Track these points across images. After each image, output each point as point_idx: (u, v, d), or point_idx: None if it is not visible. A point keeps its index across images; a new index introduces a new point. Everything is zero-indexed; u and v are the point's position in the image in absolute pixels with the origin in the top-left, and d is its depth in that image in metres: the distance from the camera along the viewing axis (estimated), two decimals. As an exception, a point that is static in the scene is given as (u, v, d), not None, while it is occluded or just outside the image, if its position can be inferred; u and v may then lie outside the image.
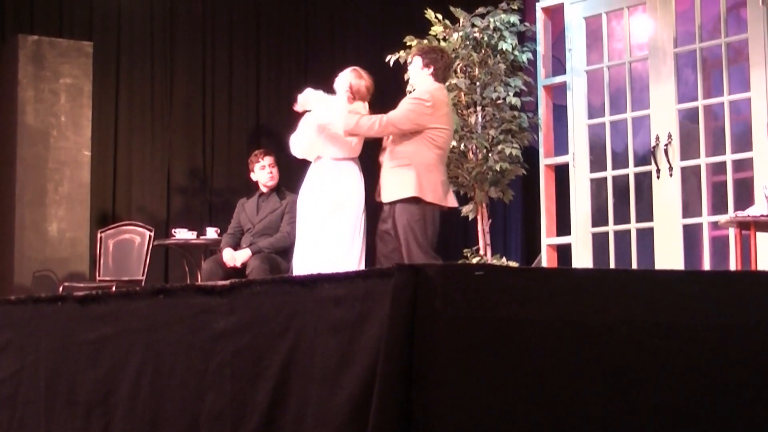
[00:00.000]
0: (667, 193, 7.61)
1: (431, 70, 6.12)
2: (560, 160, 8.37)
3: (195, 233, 8.57)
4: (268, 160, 7.34)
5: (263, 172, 7.34)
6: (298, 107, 6.39)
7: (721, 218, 6.85)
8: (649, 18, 7.89)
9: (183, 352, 3.00)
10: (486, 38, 8.15)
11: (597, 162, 8.12)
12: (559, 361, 2.52)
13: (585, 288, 2.65)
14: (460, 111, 8.04)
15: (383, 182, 6.05)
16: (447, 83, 6.91)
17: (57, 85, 8.78)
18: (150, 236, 8.54)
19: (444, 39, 8.22)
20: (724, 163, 7.45)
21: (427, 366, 2.37)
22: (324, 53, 10.80)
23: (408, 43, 8.04)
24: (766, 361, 2.80)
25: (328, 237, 6.15)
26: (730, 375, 2.75)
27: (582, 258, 7.99)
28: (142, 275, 8.44)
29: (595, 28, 8.26)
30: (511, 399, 2.45)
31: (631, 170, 7.90)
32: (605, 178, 8.04)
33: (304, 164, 6.46)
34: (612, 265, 7.74)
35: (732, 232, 7.01)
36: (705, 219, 7.48)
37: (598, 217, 8.06)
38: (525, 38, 8.77)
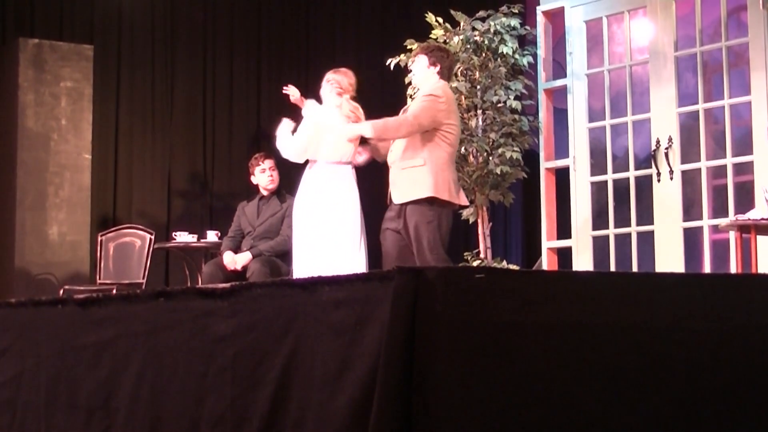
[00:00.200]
0: (667, 196, 7.61)
1: (437, 68, 6.12)
2: (561, 163, 8.37)
3: (195, 236, 8.57)
4: (268, 163, 7.34)
5: (263, 175, 7.34)
6: (301, 104, 6.47)
7: (722, 221, 6.85)
8: (650, 21, 7.89)
9: (183, 355, 3.00)
10: (487, 42, 8.15)
11: (597, 165, 8.12)
12: (560, 364, 2.52)
13: (585, 291, 2.65)
14: (460, 114, 8.04)
15: (394, 183, 5.97)
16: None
17: (58, 89, 8.78)
18: (150, 239, 8.54)
19: (444, 42, 8.22)
20: (724, 167, 7.45)
21: (427, 369, 2.37)
22: (325, 57, 10.80)
23: (408, 47, 8.04)
24: (767, 364, 2.80)
25: (330, 241, 6.17)
26: (731, 378, 2.75)
27: (582, 261, 7.99)
28: (143, 278, 8.43)
29: (596, 31, 8.26)
30: (512, 402, 2.45)
31: (632, 173, 7.90)
32: (606, 182, 8.03)
33: (305, 167, 6.47)
34: (612, 269, 7.74)
35: (732, 236, 7.01)
36: (705, 222, 7.48)
37: (599, 220, 8.06)
38: (526, 42, 8.77)
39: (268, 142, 10.24)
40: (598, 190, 8.11)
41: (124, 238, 8.61)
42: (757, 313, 2.84)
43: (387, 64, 8.16)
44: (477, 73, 8.20)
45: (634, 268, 7.67)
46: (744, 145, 7.43)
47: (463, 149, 8.04)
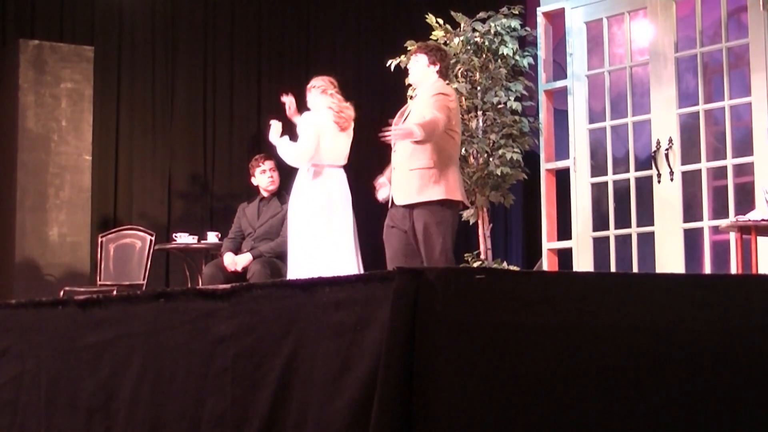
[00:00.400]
0: (667, 197, 7.61)
1: (437, 67, 6.13)
2: (561, 164, 8.37)
3: (196, 238, 8.57)
4: (268, 164, 7.35)
5: (264, 176, 7.35)
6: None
7: (722, 223, 6.85)
8: (650, 23, 7.89)
9: (184, 356, 3.00)
10: (487, 43, 8.15)
11: (598, 166, 8.12)
12: (560, 365, 2.52)
13: (586, 292, 2.64)
14: (461, 115, 8.04)
15: (400, 184, 5.93)
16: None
17: (58, 90, 8.78)
18: (151, 241, 8.53)
19: (445, 44, 8.22)
20: (724, 168, 7.45)
21: (427, 370, 2.37)
22: (325, 58, 10.81)
23: (409, 48, 8.04)
24: (767, 365, 2.80)
25: (325, 242, 6.20)
26: (731, 379, 2.75)
27: (583, 262, 7.99)
28: (143, 280, 8.43)
29: (596, 32, 8.26)
30: (512, 403, 2.45)
31: (632, 175, 7.90)
32: (606, 183, 8.04)
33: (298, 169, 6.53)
34: (613, 270, 7.73)
35: (733, 237, 7.01)
36: (706, 223, 7.48)
37: (599, 221, 8.06)
38: (526, 43, 8.78)
39: (268, 143, 10.26)
40: (599, 191, 8.11)
41: (124, 240, 8.61)
42: (757, 314, 2.83)
43: (387, 65, 8.16)
44: (477, 74, 8.20)
45: (635, 270, 7.66)
46: (744, 146, 7.43)
47: (463, 150, 8.04)
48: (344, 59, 10.98)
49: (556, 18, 8.60)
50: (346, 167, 6.57)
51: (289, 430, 2.63)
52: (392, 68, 8.13)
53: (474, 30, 8.19)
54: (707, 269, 7.51)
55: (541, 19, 8.60)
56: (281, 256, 7.05)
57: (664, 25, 7.76)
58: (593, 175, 8.12)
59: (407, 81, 6.21)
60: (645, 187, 7.86)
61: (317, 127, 6.38)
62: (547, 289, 2.59)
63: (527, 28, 8.50)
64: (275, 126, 6.65)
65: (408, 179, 5.90)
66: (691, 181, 7.64)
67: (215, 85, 10.28)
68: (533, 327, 2.52)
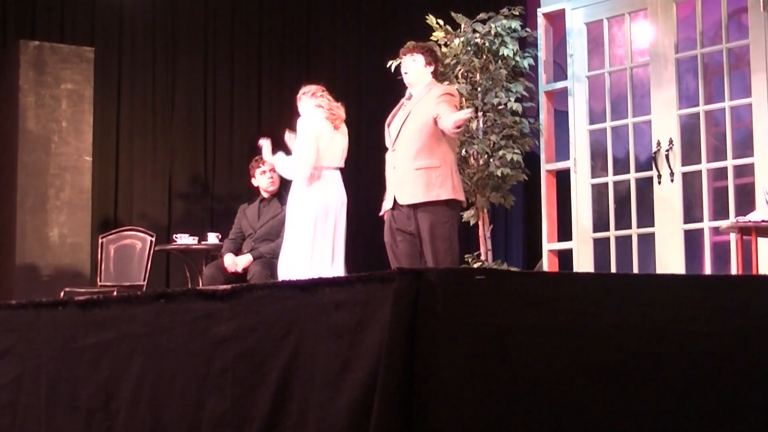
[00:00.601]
0: (668, 198, 7.61)
1: (432, 68, 6.19)
2: (561, 165, 8.37)
3: (196, 239, 8.57)
4: (268, 165, 7.34)
5: (264, 177, 7.35)
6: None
7: (722, 224, 6.86)
8: (650, 24, 7.89)
9: (184, 357, 3.00)
10: (487, 44, 8.15)
11: (598, 167, 8.12)
12: (560, 366, 2.52)
13: (586, 293, 2.64)
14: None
15: (403, 183, 5.91)
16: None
17: (58, 91, 8.78)
18: (151, 241, 8.54)
19: (445, 44, 8.23)
20: (725, 169, 7.45)
21: (428, 371, 2.37)
22: (325, 59, 10.81)
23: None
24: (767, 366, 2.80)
25: (318, 246, 6.24)
26: (731, 380, 2.74)
27: (583, 263, 7.99)
28: (144, 281, 8.43)
29: (597, 33, 8.26)
30: (512, 404, 2.45)
31: (633, 176, 7.90)
32: (606, 184, 8.04)
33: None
34: (613, 271, 7.73)
35: (733, 238, 7.01)
36: (706, 224, 7.48)
37: (599, 222, 8.06)
38: (526, 44, 8.77)
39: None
40: (599, 192, 8.11)
41: (124, 240, 8.61)
42: (757, 315, 2.83)
43: (387, 66, 8.16)
44: (478, 75, 8.20)
45: (635, 271, 7.66)
46: (744, 147, 7.43)
47: (464, 151, 8.05)
48: (344, 60, 10.98)
49: (557, 19, 8.61)
50: (344, 169, 6.57)
51: (290, 431, 2.63)
52: (392, 69, 8.13)
53: (474, 31, 8.19)
54: (707, 270, 7.51)
55: (541, 20, 8.60)
56: (282, 256, 7.06)
57: (664, 26, 7.76)
58: (593, 176, 8.12)
59: (406, 81, 6.19)
60: (645, 188, 7.87)
61: (314, 130, 6.38)
62: (548, 289, 2.59)
63: (528, 29, 8.50)
64: (265, 145, 6.68)
65: (414, 178, 5.89)
66: (691, 182, 7.64)
67: (215, 86, 10.28)
68: (533, 328, 2.52)
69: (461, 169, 8.01)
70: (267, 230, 7.21)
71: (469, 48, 8.15)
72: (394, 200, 5.96)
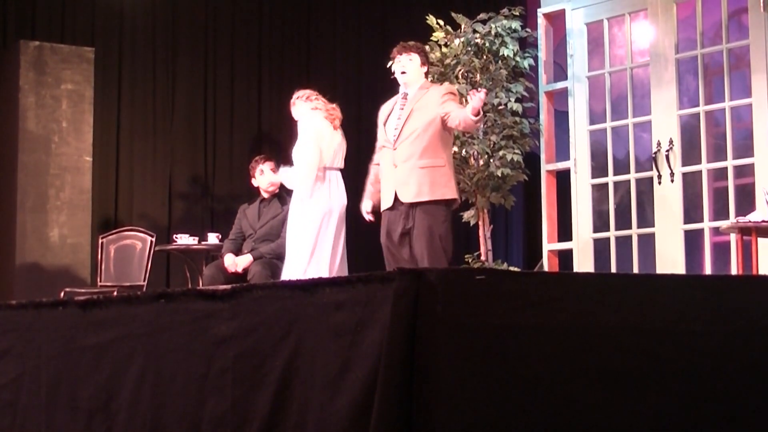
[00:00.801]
0: (668, 198, 7.61)
1: (426, 69, 6.28)
2: (561, 165, 8.37)
3: (196, 239, 8.56)
4: (268, 165, 7.35)
5: (264, 177, 7.35)
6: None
7: (723, 224, 6.86)
8: (651, 24, 7.89)
9: (184, 357, 3.00)
10: (487, 44, 8.15)
11: (598, 168, 8.12)
12: (560, 366, 2.52)
13: (586, 293, 2.64)
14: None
15: (406, 182, 5.91)
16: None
17: (58, 91, 8.78)
18: (151, 242, 8.53)
19: (446, 45, 8.23)
20: (725, 169, 7.45)
21: (428, 370, 2.37)
22: (325, 60, 10.81)
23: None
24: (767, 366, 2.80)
25: (327, 244, 6.25)
26: (732, 380, 2.74)
27: (583, 264, 7.99)
28: (144, 281, 8.43)
29: (597, 34, 8.26)
30: (513, 404, 2.45)
31: (633, 176, 7.90)
32: (606, 184, 8.04)
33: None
34: (613, 271, 7.73)
35: (733, 238, 7.01)
36: (706, 224, 7.48)
37: (600, 222, 8.06)
38: (526, 44, 8.77)
39: (269, 144, 10.27)
40: (599, 192, 8.11)
41: (124, 241, 8.60)
42: (757, 315, 2.83)
43: (388, 66, 8.16)
44: (478, 75, 8.20)
45: (635, 271, 7.66)
46: (745, 147, 7.43)
47: (464, 152, 8.05)
48: (344, 60, 10.98)
49: (557, 19, 8.61)
50: (343, 170, 6.58)
51: (290, 431, 2.63)
52: (392, 69, 8.11)
53: (474, 31, 8.19)
54: (708, 270, 7.51)
55: (541, 21, 8.61)
56: (282, 257, 7.04)
57: (664, 27, 7.76)
58: (594, 176, 8.12)
59: (403, 80, 6.20)
60: (645, 189, 7.87)
61: (315, 131, 6.39)
62: (548, 290, 2.59)
63: (528, 30, 8.50)
64: (267, 171, 6.71)
65: (419, 176, 5.89)
66: (691, 183, 7.64)
67: (216, 87, 10.28)
68: (534, 328, 2.51)
69: (461, 169, 8.03)
70: (267, 230, 7.21)
71: (470, 48, 8.15)
72: (395, 198, 5.95)
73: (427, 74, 6.30)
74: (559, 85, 8.49)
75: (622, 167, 8.01)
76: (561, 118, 8.59)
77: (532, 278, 2.73)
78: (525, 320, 2.51)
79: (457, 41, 8.17)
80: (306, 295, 2.67)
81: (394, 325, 2.38)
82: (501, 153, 8.04)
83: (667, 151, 7.61)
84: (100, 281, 8.48)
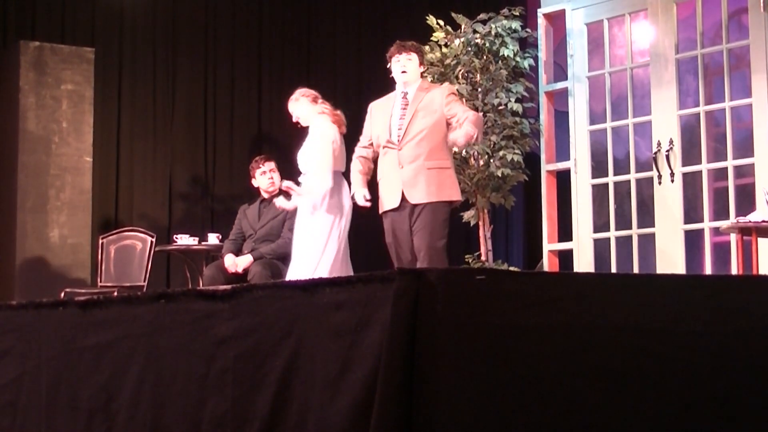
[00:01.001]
0: (668, 198, 7.61)
1: (423, 69, 6.38)
2: (562, 166, 8.37)
3: (196, 239, 8.57)
4: (269, 165, 7.35)
5: (264, 177, 7.35)
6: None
7: (723, 224, 6.85)
8: (651, 24, 7.89)
9: (184, 357, 3.00)
10: (488, 44, 8.15)
11: (598, 168, 8.12)
12: (560, 366, 2.52)
13: (586, 293, 2.64)
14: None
15: (414, 182, 5.94)
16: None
17: (59, 92, 8.78)
18: (151, 242, 8.53)
19: (446, 45, 8.23)
20: (725, 169, 7.45)
21: (428, 371, 2.37)
22: (326, 60, 10.82)
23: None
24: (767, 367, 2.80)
25: (338, 246, 6.27)
26: (732, 380, 2.74)
27: (583, 264, 7.99)
28: (144, 281, 8.43)
29: (597, 34, 8.26)
30: (513, 404, 2.45)
31: (633, 176, 7.90)
32: (607, 184, 8.04)
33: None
34: (613, 271, 7.73)
35: (733, 238, 7.01)
36: (706, 225, 7.48)
37: (600, 223, 8.06)
38: (526, 44, 8.77)
39: (269, 144, 10.27)
40: (599, 192, 8.11)
41: (125, 241, 8.61)
42: (757, 314, 2.83)
43: (388, 66, 8.16)
44: (478, 75, 8.20)
45: (635, 271, 7.66)
46: (745, 147, 7.43)
47: (464, 152, 8.04)
48: (344, 60, 10.98)
49: (557, 19, 8.61)
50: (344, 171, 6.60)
51: (290, 431, 2.63)
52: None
53: (474, 31, 8.19)
54: (708, 271, 7.51)
55: (541, 21, 8.61)
56: (282, 257, 7.05)
57: (664, 27, 7.76)
58: (594, 176, 8.12)
59: (404, 79, 6.20)
60: (646, 189, 7.87)
61: (328, 136, 6.41)
62: (548, 290, 2.59)
63: (528, 30, 8.50)
64: (281, 203, 6.69)
65: (427, 178, 5.93)
66: (691, 183, 7.64)
67: (216, 87, 10.29)
68: (534, 328, 2.51)
69: (461, 169, 8.03)
70: (267, 231, 7.21)
71: (470, 48, 8.15)
72: (402, 198, 5.96)
73: (423, 74, 6.33)
74: (559, 85, 8.49)
75: (622, 167, 8.01)
76: (561, 119, 8.59)
77: (532, 278, 2.73)
78: (525, 320, 2.51)
79: (457, 41, 8.17)
80: (306, 295, 2.67)
81: (395, 325, 2.38)
82: (501, 153, 8.05)
83: (667, 151, 7.61)
84: (101, 281, 8.48)
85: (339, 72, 10.88)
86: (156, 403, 3.05)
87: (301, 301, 2.68)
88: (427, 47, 7.95)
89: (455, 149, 6.34)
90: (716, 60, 7.69)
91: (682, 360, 2.69)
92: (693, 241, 7.62)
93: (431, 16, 8.32)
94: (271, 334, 2.74)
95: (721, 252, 7.67)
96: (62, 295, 7.90)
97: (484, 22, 8.25)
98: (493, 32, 8.15)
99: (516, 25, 8.23)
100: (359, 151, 6.27)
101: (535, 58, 8.48)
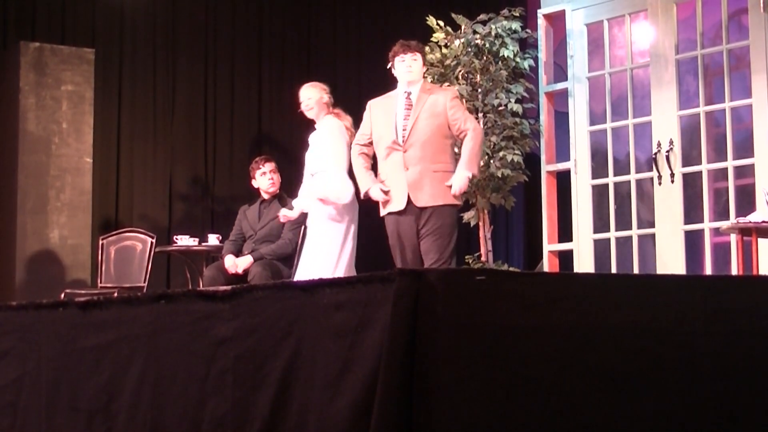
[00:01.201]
0: (668, 199, 7.61)
1: (425, 69, 6.40)
2: (562, 166, 8.37)
3: (197, 240, 8.56)
4: (269, 166, 7.34)
5: (264, 178, 7.34)
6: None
7: (723, 224, 6.85)
8: (651, 25, 7.89)
9: (184, 358, 3.00)
10: (488, 45, 8.14)
11: (598, 168, 8.12)
12: (561, 366, 2.52)
13: (586, 293, 2.64)
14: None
15: (423, 185, 5.95)
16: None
17: (59, 92, 8.78)
18: (152, 243, 8.53)
19: (446, 46, 8.23)
20: (725, 170, 7.45)
21: (428, 371, 2.37)
22: (326, 60, 10.81)
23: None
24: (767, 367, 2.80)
25: (351, 247, 6.33)
26: (732, 380, 2.74)
27: (583, 264, 7.99)
28: (144, 282, 8.42)
29: (597, 35, 8.26)
30: (513, 404, 2.45)
31: (633, 176, 7.90)
32: (607, 185, 8.04)
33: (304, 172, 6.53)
34: (613, 272, 7.73)
35: (733, 239, 7.01)
36: (706, 225, 7.48)
37: (600, 223, 8.06)
38: (526, 45, 8.77)
39: (269, 145, 10.27)
40: (599, 193, 8.11)
41: (125, 242, 8.60)
42: (757, 315, 2.83)
43: (388, 67, 8.16)
44: (478, 76, 8.19)
45: (635, 272, 7.66)
46: (745, 148, 7.43)
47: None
48: (345, 61, 10.98)
49: (557, 20, 8.61)
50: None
51: (290, 431, 2.63)
52: (392, 70, 8.11)
53: (475, 32, 8.19)
54: (708, 271, 7.51)
55: (541, 21, 8.61)
56: (282, 258, 7.06)
57: (664, 27, 7.76)
58: (594, 177, 8.12)
59: (409, 79, 6.20)
60: (645, 189, 7.87)
61: (342, 137, 6.44)
62: (548, 290, 2.59)
63: (528, 30, 8.49)
64: (286, 212, 6.70)
65: (432, 180, 5.96)
66: (691, 183, 7.64)
67: (216, 87, 10.28)
68: (534, 328, 2.52)
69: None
70: (267, 231, 7.21)
71: (470, 49, 8.14)
72: (408, 201, 5.96)
73: (423, 75, 6.35)
74: (560, 85, 8.49)
75: (622, 168, 8.01)
76: (561, 119, 8.59)
77: (532, 279, 2.73)
78: (525, 321, 2.51)
79: (457, 42, 8.17)
80: (306, 295, 2.68)
81: (395, 325, 2.38)
82: (501, 154, 8.04)
83: (668, 151, 7.60)
84: (101, 282, 8.48)
85: (339, 72, 10.87)
86: (156, 403, 3.05)
87: (301, 302, 2.68)
88: (426, 48, 7.94)
89: (455, 149, 6.34)
90: (716, 60, 7.69)
91: (682, 360, 2.69)
92: (693, 241, 7.62)
93: (431, 17, 8.32)
94: (272, 335, 2.74)
95: (721, 252, 7.67)
96: (62, 295, 7.89)
97: (484, 23, 8.25)
98: (493, 33, 8.15)
99: (516, 25, 8.22)
100: (359, 148, 6.23)
101: (535, 59, 8.48)
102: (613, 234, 7.95)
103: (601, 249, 8.04)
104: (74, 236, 8.73)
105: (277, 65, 10.61)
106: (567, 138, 8.33)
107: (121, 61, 9.79)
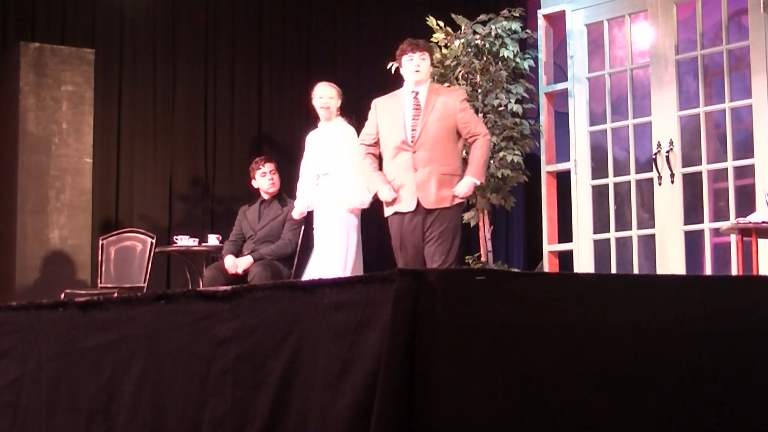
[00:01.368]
0: (668, 199, 7.61)
1: (431, 70, 6.35)
2: (562, 167, 8.37)
3: (197, 240, 8.56)
4: (269, 167, 7.35)
5: (264, 179, 7.35)
6: None
7: (723, 225, 6.85)
8: (651, 25, 7.89)
9: (184, 358, 3.00)
10: (488, 45, 8.14)
11: (598, 169, 8.12)
12: (561, 367, 2.52)
13: (586, 294, 2.64)
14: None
15: (430, 187, 5.97)
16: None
17: (59, 93, 8.78)
18: (152, 243, 8.53)
19: (446, 46, 8.22)
20: (725, 170, 7.45)
21: (428, 371, 2.37)
22: (326, 61, 10.81)
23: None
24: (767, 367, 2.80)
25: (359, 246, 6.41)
26: (731, 380, 2.74)
27: (583, 265, 7.99)
28: (144, 282, 8.42)
29: (597, 35, 8.26)
30: (513, 405, 2.45)
31: (633, 177, 7.90)
32: (607, 185, 8.04)
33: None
34: (613, 272, 7.73)
35: (733, 239, 7.01)
36: (706, 225, 7.48)
37: (600, 223, 8.06)
38: (526, 45, 8.77)
39: (269, 145, 10.27)
40: (599, 193, 8.11)
41: (125, 242, 8.60)
42: (757, 315, 2.83)
43: (388, 67, 8.16)
44: (478, 76, 8.20)
45: (635, 272, 7.66)
46: (745, 148, 7.43)
47: (464, 153, 8.03)
48: (345, 61, 10.98)
49: (557, 20, 8.61)
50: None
51: (290, 432, 2.63)
52: (393, 71, 8.12)
53: (474, 32, 8.19)
54: (708, 271, 7.51)
55: (541, 22, 8.61)
56: (282, 258, 7.06)
57: (664, 28, 7.76)
58: (594, 177, 8.12)
59: (416, 79, 6.20)
60: (645, 190, 7.86)
61: (353, 138, 6.52)
62: (548, 290, 2.59)
63: (528, 31, 8.49)
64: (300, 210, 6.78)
65: (440, 183, 5.98)
66: (691, 184, 7.63)
67: (216, 88, 10.28)
68: (534, 328, 2.52)
69: (462, 171, 8.02)
70: (267, 232, 7.21)
71: (470, 49, 8.15)
72: (417, 203, 5.96)
73: (430, 75, 6.36)
74: (560, 86, 8.48)
75: (622, 168, 8.01)
76: (561, 120, 8.59)
77: (532, 279, 2.73)
78: (525, 321, 2.51)
79: (457, 42, 8.17)
80: (306, 295, 2.68)
81: (395, 325, 2.38)
82: (501, 154, 8.04)
83: (668, 152, 7.60)
84: (101, 283, 8.48)
85: (339, 72, 10.87)
86: (156, 404, 3.05)
87: (301, 302, 2.68)
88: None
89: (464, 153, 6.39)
90: (716, 61, 7.69)
91: (682, 360, 2.69)
92: (693, 242, 7.62)
93: (431, 17, 8.32)
94: (272, 335, 2.74)
95: (721, 253, 7.67)
96: (62, 296, 7.89)
97: (484, 23, 8.25)
98: (493, 33, 8.15)
99: (516, 26, 8.22)
100: (366, 148, 6.21)
101: (535, 59, 8.48)
102: (613, 234, 7.95)
103: (601, 249, 8.04)
104: (74, 236, 8.73)
105: (277, 65, 10.61)
106: (567, 138, 8.33)
107: (121, 61, 9.79)
